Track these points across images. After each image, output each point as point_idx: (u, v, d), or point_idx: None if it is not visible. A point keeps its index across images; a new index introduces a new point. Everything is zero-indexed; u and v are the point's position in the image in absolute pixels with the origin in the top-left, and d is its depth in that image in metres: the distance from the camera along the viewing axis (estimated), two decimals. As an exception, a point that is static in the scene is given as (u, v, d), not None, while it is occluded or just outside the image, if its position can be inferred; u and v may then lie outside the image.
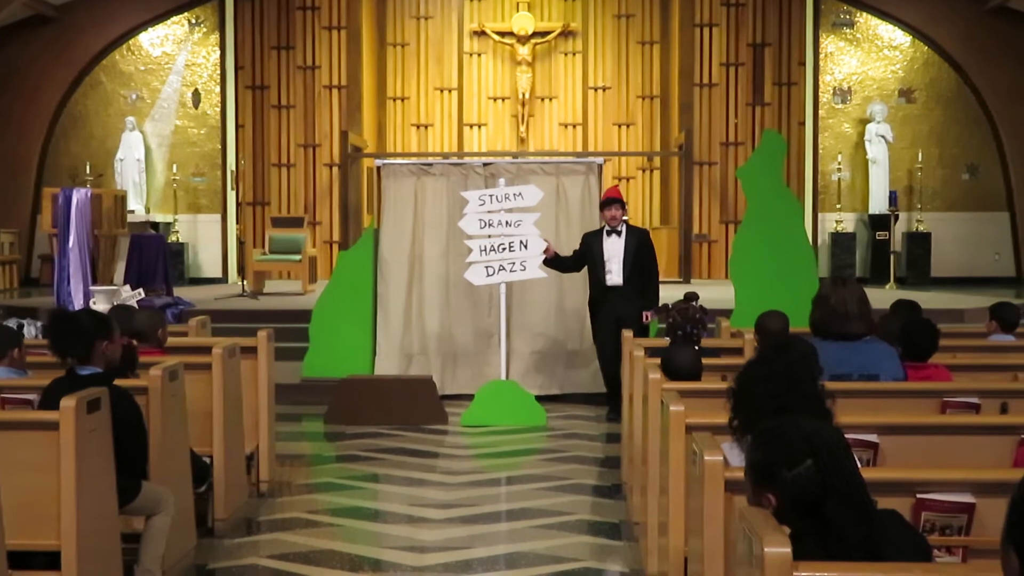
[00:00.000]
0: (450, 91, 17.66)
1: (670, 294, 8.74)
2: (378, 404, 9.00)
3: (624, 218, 9.21)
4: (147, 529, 4.83)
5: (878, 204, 16.18)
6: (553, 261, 9.23)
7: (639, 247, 9.03)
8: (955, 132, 16.72)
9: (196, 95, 16.95)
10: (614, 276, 9.00)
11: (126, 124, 16.70)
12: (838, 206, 16.45)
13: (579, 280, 9.82)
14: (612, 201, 9.14)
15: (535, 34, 17.33)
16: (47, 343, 4.95)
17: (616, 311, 8.80)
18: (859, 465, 3.68)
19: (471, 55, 17.70)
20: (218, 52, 16.90)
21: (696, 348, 6.53)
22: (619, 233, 9.06)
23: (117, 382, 4.81)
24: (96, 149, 16.87)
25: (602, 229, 9.17)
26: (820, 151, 16.65)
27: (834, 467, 2.47)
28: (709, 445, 3.36)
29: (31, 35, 16.77)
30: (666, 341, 6.81)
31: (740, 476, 2.78)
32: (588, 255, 9.11)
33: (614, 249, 9.02)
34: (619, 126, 17.51)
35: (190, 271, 16.74)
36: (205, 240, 16.90)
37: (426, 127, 17.67)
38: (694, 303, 6.74)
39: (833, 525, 2.41)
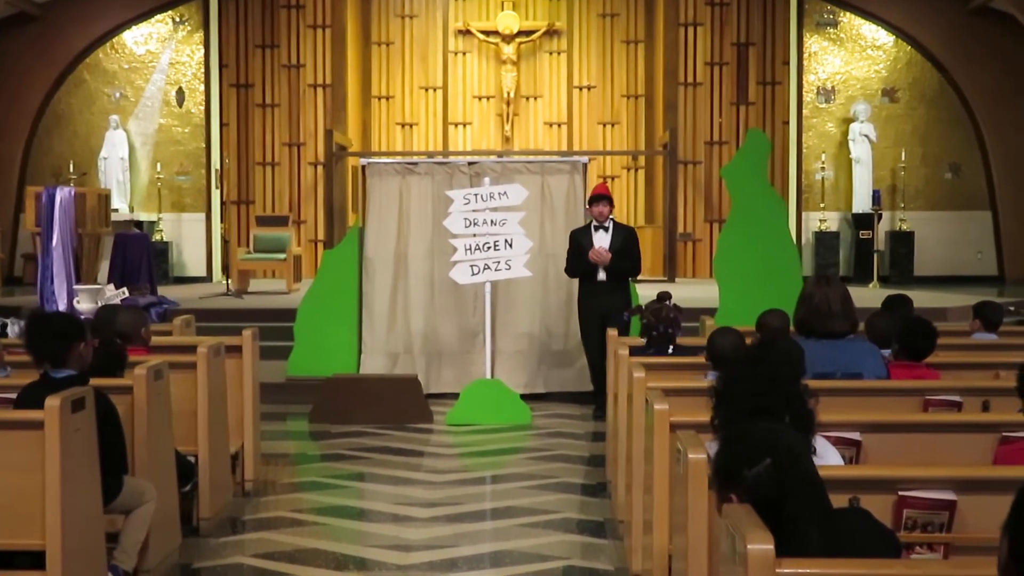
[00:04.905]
0: (435, 90, 17.66)
1: (651, 292, 8.77)
2: (363, 403, 9.00)
3: (611, 215, 9.25)
4: (130, 515, 4.82)
5: (861, 203, 16.23)
6: (587, 266, 9.08)
7: (624, 243, 9.08)
8: (938, 131, 16.78)
9: (180, 93, 16.90)
10: (599, 271, 9.03)
11: (110, 122, 16.62)
12: (822, 205, 16.50)
13: (563, 279, 9.84)
14: (600, 198, 9.20)
15: (520, 33, 17.33)
16: (24, 346, 4.90)
17: (601, 306, 8.83)
18: (843, 462, 3.72)
19: (456, 54, 17.70)
20: (202, 50, 16.85)
21: (671, 348, 6.57)
22: (606, 229, 9.11)
23: (104, 381, 4.80)
24: (80, 148, 16.80)
25: (589, 224, 9.22)
26: (804, 150, 16.70)
27: (792, 468, 2.52)
28: (693, 443, 3.38)
29: (14, 33, 16.68)
30: (643, 340, 6.84)
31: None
32: (577, 250, 9.14)
33: (600, 245, 9.04)
34: (604, 125, 17.53)
35: (174, 270, 16.68)
36: (189, 239, 16.85)
37: (411, 126, 17.66)
38: (667, 303, 6.76)
39: (790, 525, 2.44)
